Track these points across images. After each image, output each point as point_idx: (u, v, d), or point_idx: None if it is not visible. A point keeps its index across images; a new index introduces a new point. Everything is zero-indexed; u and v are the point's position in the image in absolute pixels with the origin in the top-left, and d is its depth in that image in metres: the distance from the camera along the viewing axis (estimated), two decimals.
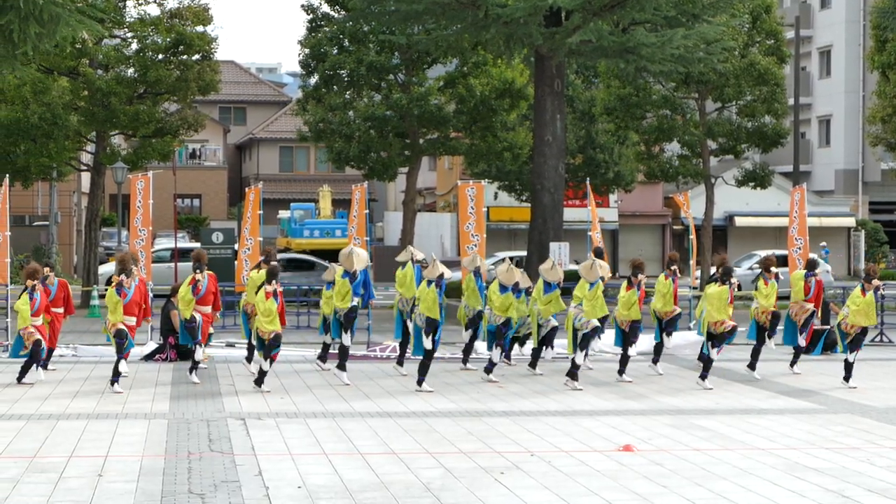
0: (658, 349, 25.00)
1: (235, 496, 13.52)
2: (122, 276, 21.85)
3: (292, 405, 20.31)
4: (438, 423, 18.69)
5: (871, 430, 18.68)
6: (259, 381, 21.89)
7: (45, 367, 23.91)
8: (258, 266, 24.77)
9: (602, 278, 22.95)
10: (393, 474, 14.73)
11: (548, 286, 24.45)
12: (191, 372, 22.92)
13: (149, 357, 26.54)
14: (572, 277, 25.83)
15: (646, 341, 26.14)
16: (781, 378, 24.64)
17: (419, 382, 22.11)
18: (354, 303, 23.09)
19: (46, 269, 24.55)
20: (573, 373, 22.73)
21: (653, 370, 25.00)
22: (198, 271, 22.74)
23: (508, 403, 20.92)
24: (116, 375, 21.59)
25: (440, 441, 17.11)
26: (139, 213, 30.18)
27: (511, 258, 26.67)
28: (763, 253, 53.82)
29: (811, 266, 25.72)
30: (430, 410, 19.96)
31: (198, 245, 45.04)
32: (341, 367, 22.98)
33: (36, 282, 22.79)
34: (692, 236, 34.74)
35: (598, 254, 25.77)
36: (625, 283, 23.90)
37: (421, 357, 22.49)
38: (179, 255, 40.61)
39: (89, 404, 20.16)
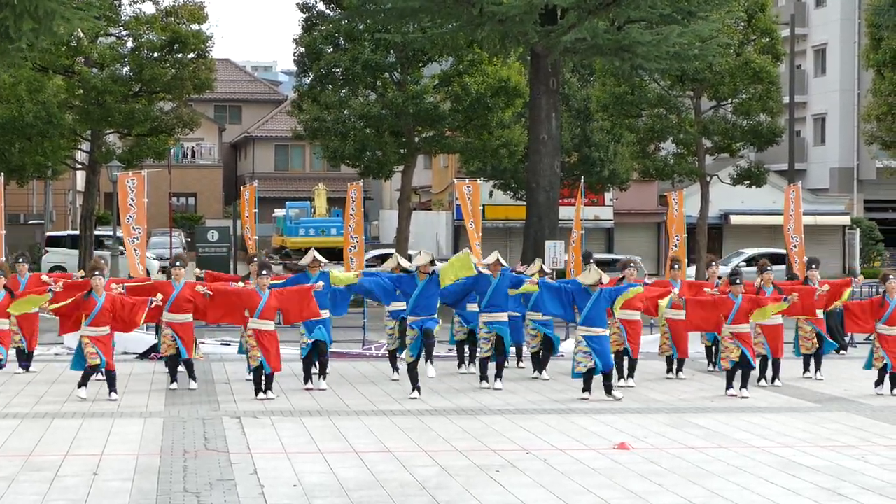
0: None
1: (231, 495, 13.52)
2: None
3: (288, 404, 20.31)
4: (434, 421, 18.69)
5: (865, 427, 18.69)
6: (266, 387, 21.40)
7: (27, 368, 23.86)
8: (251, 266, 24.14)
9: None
10: (388, 473, 14.74)
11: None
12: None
13: (144, 355, 26.50)
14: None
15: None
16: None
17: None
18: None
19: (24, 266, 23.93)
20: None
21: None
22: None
23: (504, 402, 20.92)
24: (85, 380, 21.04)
25: (435, 439, 17.11)
26: (132, 211, 30.08)
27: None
28: (751, 251, 53.88)
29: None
30: (425, 409, 19.95)
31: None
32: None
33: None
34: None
35: (586, 258, 25.53)
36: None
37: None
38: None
39: (85, 403, 20.13)
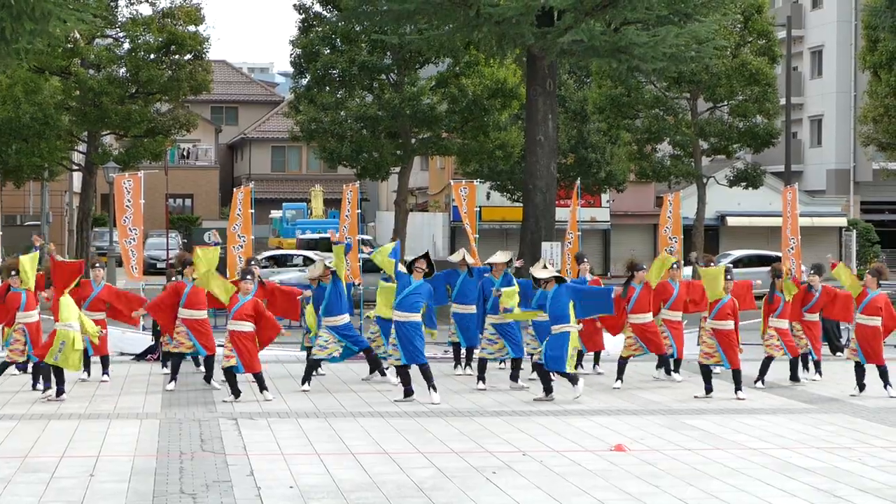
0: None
1: (227, 496, 13.51)
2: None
3: (284, 405, 20.30)
4: (430, 422, 18.68)
5: (862, 429, 18.69)
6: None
7: (24, 369, 23.73)
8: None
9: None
10: (385, 474, 14.73)
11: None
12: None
13: (140, 357, 26.48)
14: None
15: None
16: (772, 377, 24.61)
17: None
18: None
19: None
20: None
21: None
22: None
23: (500, 403, 20.91)
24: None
25: (432, 441, 17.11)
26: (128, 213, 29.96)
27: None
28: (739, 253, 53.84)
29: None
30: (421, 410, 19.94)
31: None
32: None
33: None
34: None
35: (579, 259, 25.43)
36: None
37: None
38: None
39: (81, 404, 20.13)
